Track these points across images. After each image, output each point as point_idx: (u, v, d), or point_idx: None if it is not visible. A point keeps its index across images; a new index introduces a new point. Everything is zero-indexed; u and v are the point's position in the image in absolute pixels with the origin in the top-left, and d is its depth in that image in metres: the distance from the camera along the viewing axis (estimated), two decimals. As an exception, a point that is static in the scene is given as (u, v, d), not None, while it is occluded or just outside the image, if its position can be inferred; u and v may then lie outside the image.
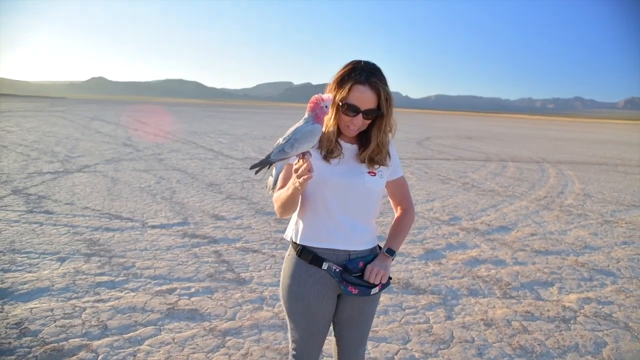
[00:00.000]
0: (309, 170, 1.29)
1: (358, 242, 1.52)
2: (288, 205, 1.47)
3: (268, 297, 3.19)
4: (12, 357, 2.29)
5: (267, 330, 2.73)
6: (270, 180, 1.42)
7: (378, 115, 1.47)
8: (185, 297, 3.13)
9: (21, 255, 3.71)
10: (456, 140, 20.03)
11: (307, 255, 1.50)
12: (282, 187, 1.51)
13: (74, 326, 2.63)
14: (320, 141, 1.48)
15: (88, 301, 2.97)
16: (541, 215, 6.11)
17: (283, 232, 4.63)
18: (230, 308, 3.00)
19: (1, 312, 2.76)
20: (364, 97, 1.40)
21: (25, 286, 3.13)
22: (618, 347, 2.75)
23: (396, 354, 2.56)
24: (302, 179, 1.30)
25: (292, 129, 1.33)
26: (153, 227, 4.75)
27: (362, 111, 1.42)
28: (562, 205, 6.85)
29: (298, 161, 1.32)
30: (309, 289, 1.51)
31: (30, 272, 3.40)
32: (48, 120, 21.36)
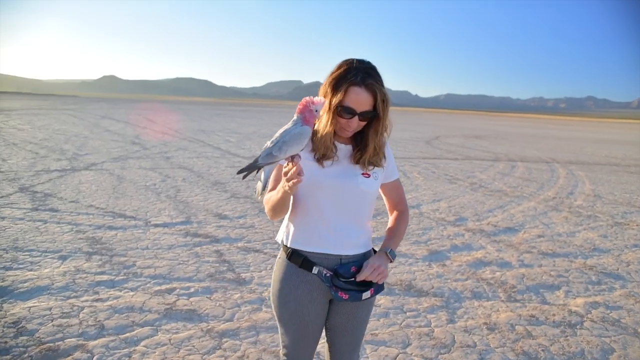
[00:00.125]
0: (299, 173, 1.25)
1: (350, 246, 1.47)
2: (278, 209, 1.43)
3: (267, 298, 3.15)
4: (8, 356, 2.28)
5: (265, 332, 2.70)
6: (259, 185, 1.37)
7: (374, 117, 1.42)
8: (184, 297, 3.10)
9: (23, 253, 3.72)
10: (465, 140, 19.85)
11: (297, 258, 1.46)
12: (273, 189, 1.47)
13: (71, 326, 2.62)
14: (315, 144, 1.43)
15: (87, 300, 2.96)
16: (549, 217, 6.00)
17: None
18: (228, 309, 2.97)
19: (0, 310, 2.77)
20: (360, 99, 1.35)
21: (25, 284, 3.13)
22: (626, 355, 2.67)
23: (395, 358, 2.51)
24: (291, 182, 1.25)
25: (280, 131, 1.29)
26: (156, 225, 4.74)
27: (358, 113, 1.37)
28: (572, 207, 6.72)
29: (287, 164, 1.28)
30: (298, 293, 1.46)
31: (31, 270, 3.40)
32: (59, 118, 21.58)
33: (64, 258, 3.68)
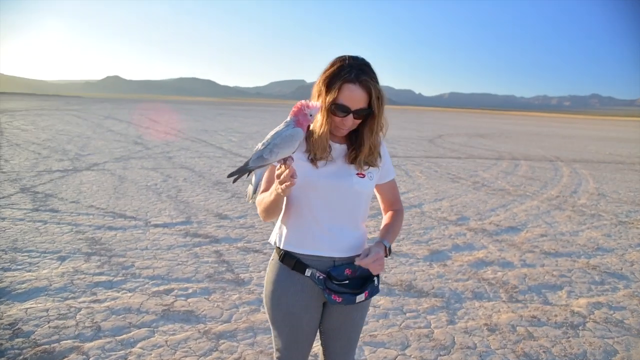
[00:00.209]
0: (292, 176, 1.22)
1: (344, 248, 1.44)
2: (271, 211, 1.40)
3: (266, 299, 3.13)
4: (2, 359, 2.26)
5: (262, 333, 2.67)
6: (250, 188, 1.34)
7: (369, 115, 1.39)
8: (182, 298, 3.08)
9: (22, 254, 3.71)
10: (468, 139, 19.76)
11: (289, 260, 1.43)
12: (265, 190, 1.44)
13: (67, 327, 2.60)
14: (310, 145, 1.40)
15: (84, 301, 2.95)
16: (552, 216, 5.94)
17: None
18: (226, 310, 2.95)
19: (-3, 311, 2.76)
20: (354, 96, 1.32)
21: (23, 285, 3.12)
22: (629, 356, 2.63)
23: (394, 360, 2.48)
24: (284, 185, 1.23)
25: (271, 133, 1.25)
26: (156, 226, 4.73)
27: (353, 111, 1.34)
28: (575, 205, 6.66)
29: (280, 166, 1.25)
30: (291, 296, 1.44)
31: (29, 271, 3.39)
32: (62, 118, 21.65)
33: (62, 259, 3.67)
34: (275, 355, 1.55)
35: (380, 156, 1.49)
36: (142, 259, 3.76)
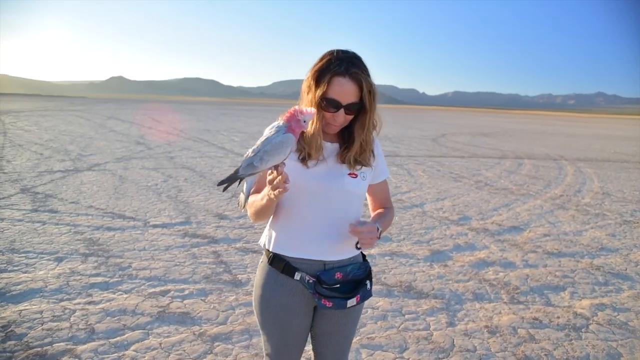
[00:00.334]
0: (285, 181, 1.18)
1: (335, 251, 1.39)
2: (262, 214, 1.37)
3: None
4: (-6, 361, 2.24)
5: (258, 335, 2.63)
6: (242, 197, 1.28)
7: (361, 111, 1.34)
8: (178, 300, 3.05)
9: (19, 255, 3.69)
10: (471, 138, 19.65)
11: (278, 263, 1.39)
12: (257, 190, 1.39)
13: (61, 329, 2.57)
14: (302, 144, 1.35)
15: (79, 303, 2.92)
16: (556, 215, 5.87)
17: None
18: (222, 312, 2.91)
19: (-9, 313, 2.73)
20: (344, 90, 1.27)
21: (18, 287, 3.10)
22: (633, 359, 2.57)
23: (392, 363, 2.43)
24: (277, 191, 1.19)
25: (262, 139, 1.20)
26: (155, 226, 4.70)
27: (344, 106, 1.29)
28: (579, 205, 6.58)
29: (272, 172, 1.20)
30: (280, 300, 1.39)
31: (25, 272, 3.37)
32: (65, 119, 21.72)
33: (59, 260, 3.64)
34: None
35: (373, 155, 1.45)
36: (139, 259, 3.73)
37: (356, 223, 1.30)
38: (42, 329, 2.56)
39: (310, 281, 1.35)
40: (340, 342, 1.49)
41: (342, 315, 1.45)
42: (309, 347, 1.55)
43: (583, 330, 2.88)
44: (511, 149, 14.69)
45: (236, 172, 1.19)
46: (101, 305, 2.90)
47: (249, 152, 1.20)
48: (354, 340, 2.62)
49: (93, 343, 2.46)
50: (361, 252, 1.52)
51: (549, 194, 7.30)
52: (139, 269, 3.53)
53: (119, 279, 3.34)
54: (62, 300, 2.95)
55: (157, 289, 3.19)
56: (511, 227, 5.20)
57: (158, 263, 3.67)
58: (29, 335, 2.49)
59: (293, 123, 1.20)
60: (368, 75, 1.31)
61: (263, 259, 1.46)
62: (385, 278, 3.53)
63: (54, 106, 38.19)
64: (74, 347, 2.41)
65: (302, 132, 1.35)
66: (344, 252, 1.41)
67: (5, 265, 3.48)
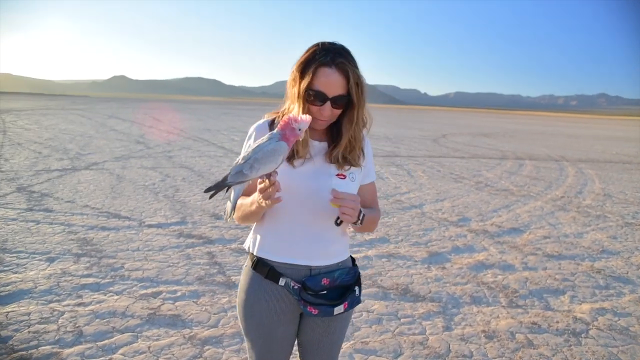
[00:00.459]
0: (277, 190, 1.13)
1: (322, 256, 1.33)
2: (249, 220, 1.32)
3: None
4: (-23, 365, 2.19)
5: (250, 339, 2.57)
6: (229, 205, 1.22)
7: (349, 105, 1.27)
8: (170, 302, 2.99)
9: (11, 255, 3.64)
10: (472, 138, 19.56)
11: (262, 268, 1.33)
12: (245, 194, 1.33)
13: (48, 332, 2.52)
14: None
15: (68, 305, 2.86)
16: (556, 217, 5.80)
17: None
18: (214, 314, 2.85)
19: (-22, 315, 2.68)
20: (330, 81, 1.20)
21: (7, 288, 3.05)
22: (633, 366, 2.50)
23: (385, 369, 2.37)
24: (269, 201, 1.14)
25: (254, 146, 1.14)
26: (150, 226, 4.65)
27: (330, 98, 1.22)
28: (580, 206, 6.51)
29: (264, 181, 1.14)
30: (264, 306, 1.33)
31: (16, 272, 3.32)
32: (66, 118, 21.70)
33: (51, 260, 3.59)
34: (249, 368, 1.45)
35: (363, 154, 1.38)
36: (132, 260, 3.68)
37: (345, 193, 1.22)
38: (29, 332, 2.51)
39: (296, 287, 1.29)
40: (329, 350, 1.43)
41: (330, 323, 1.39)
42: (296, 354, 1.49)
43: (583, 335, 2.81)
44: (512, 150, 14.60)
45: (225, 179, 1.13)
46: (91, 307, 2.85)
47: (239, 159, 1.14)
48: (348, 344, 2.56)
49: (80, 346, 2.41)
50: (351, 256, 1.46)
51: (549, 195, 7.23)
52: (132, 270, 3.47)
53: (111, 279, 3.28)
54: (51, 301, 2.90)
55: (149, 290, 3.13)
56: (511, 229, 5.13)
57: (151, 264, 3.62)
58: (14, 338, 2.44)
59: (288, 131, 1.14)
60: (356, 67, 1.24)
61: (247, 263, 1.40)
62: (381, 280, 3.47)
63: (55, 105, 38.20)
64: (60, 350, 2.35)
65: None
66: (331, 256, 1.35)
67: (-5, 265, 3.43)
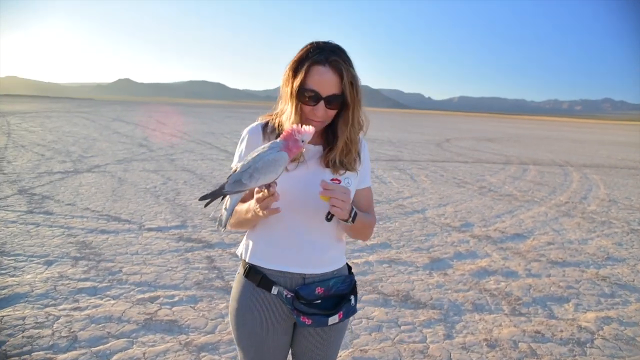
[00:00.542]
0: (276, 200, 1.10)
1: (316, 264, 1.29)
2: (243, 227, 1.30)
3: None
4: (-31, 371, 2.15)
5: (247, 346, 2.53)
6: (224, 214, 1.17)
7: (344, 106, 1.23)
8: (167, 307, 2.95)
9: (9, 258, 3.61)
10: (476, 143, 19.48)
11: (254, 276, 1.29)
12: (243, 200, 1.28)
13: (42, 337, 2.48)
14: None
15: (64, 309, 2.83)
16: (561, 223, 5.72)
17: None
18: (211, 320, 2.81)
19: (-27, 319, 2.65)
20: (324, 80, 1.16)
21: (3, 291, 3.02)
22: (640, 377, 2.44)
23: (385, 378, 2.32)
24: (267, 212, 1.11)
25: (254, 153, 1.10)
26: (149, 229, 4.62)
27: (324, 98, 1.18)
28: (585, 212, 6.43)
29: (263, 191, 1.11)
30: (256, 315, 1.29)
31: (13, 276, 3.29)
32: (71, 120, 21.80)
33: (49, 263, 3.56)
34: (241, 379, 1.40)
35: (359, 158, 1.34)
36: (130, 264, 3.64)
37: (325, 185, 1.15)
38: (23, 337, 2.47)
39: (288, 296, 1.25)
40: (324, 360, 1.38)
41: (324, 333, 1.35)
42: (290, 365, 1.45)
43: (588, 345, 2.75)
44: (516, 155, 14.51)
45: (222, 187, 1.09)
46: (87, 312, 2.81)
47: (238, 167, 1.10)
48: (346, 352, 2.51)
49: (74, 352, 2.37)
50: (347, 263, 1.41)
51: (553, 200, 7.15)
52: (130, 274, 3.44)
53: (108, 284, 3.25)
54: (47, 305, 2.86)
55: (146, 295, 3.10)
56: (514, 235, 5.07)
57: (149, 268, 3.58)
58: (7, 343, 2.40)
59: (290, 142, 1.10)
60: (351, 66, 1.20)
61: (240, 270, 1.36)
62: (382, 287, 3.42)
63: (60, 108, 38.42)
64: (54, 356, 2.32)
65: (279, 127, 1.26)
66: (326, 263, 1.31)
67: (-7, 268, 3.41)
